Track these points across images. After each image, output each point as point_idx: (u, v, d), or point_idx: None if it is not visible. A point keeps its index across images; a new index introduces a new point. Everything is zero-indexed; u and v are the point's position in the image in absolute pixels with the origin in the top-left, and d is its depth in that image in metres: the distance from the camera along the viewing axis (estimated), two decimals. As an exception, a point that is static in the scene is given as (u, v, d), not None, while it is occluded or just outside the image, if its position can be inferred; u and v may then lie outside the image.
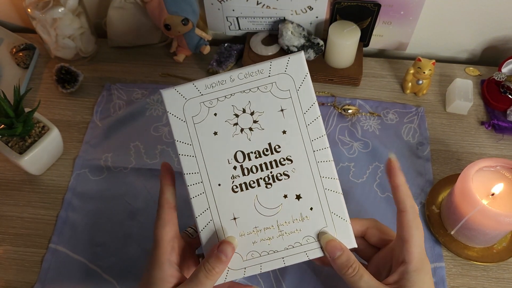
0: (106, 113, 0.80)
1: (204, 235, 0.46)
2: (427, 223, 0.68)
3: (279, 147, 0.46)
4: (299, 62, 0.46)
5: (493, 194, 0.61)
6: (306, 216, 0.46)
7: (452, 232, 0.65)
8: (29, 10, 0.78)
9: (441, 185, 0.71)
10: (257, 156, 0.46)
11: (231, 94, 0.46)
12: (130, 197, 0.70)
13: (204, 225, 0.46)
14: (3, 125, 0.66)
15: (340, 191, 0.46)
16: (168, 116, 0.47)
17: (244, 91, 0.46)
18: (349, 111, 0.78)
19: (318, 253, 0.46)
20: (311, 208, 0.46)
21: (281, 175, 0.46)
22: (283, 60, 0.46)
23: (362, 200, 0.70)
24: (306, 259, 0.46)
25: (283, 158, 0.46)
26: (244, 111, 0.46)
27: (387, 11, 0.79)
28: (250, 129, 0.46)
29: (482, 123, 0.78)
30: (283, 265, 0.46)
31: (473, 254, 0.65)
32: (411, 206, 0.46)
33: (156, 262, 0.45)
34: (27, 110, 0.67)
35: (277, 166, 0.46)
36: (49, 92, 0.83)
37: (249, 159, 0.46)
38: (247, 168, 0.46)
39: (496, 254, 0.64)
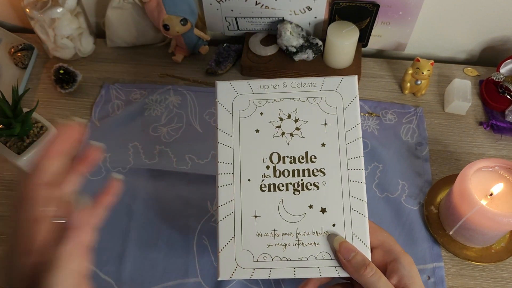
0: (105, 113, 0.79)
1: (222, 226, 0.46)
2: (425, 223, 0.68)
3: (315, 157, 0.47)
4: (351, 83, 0.48)
5: (491, 194, 0.61)
6: (326, 231, 0.45)
7: (451, 232, 0.65)
8: (27, 10, 0.78)
9: (439, 186, 0.71)
10: (292, 161, 0.47)
11: (280, 99, 0.48)
12: (128, 197, 0.70)
13: (224, 216, 0.46)
14: (1, 125, 0.66)
15: (366, 214, 0.46)
16: (217, 105, 0.48)
17: (293, 98, 0.48)
18: (348, 111, 0.78)
19: (331, 272, 0.45)
20: (334, 225, 0.45)
21: (311, 185, 0.46)
22: (336, 79, 0.48)
23: None
24: (318, 275, 0.45)
25: (317, 169, 0.46)
26: (289, 116, 0.48)
27: (385, 11, 0.80)
28: (291, 134, 0.47)
29: (481, 124, 0.79)
30: (293, 276, 0.45)
31: (471, 254, 0.65)
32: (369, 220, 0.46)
33: None
34: (25, 110, 0.67)
35: (309, 175, 0.46)
36: (47, 92, 0.83)
37: (283, 163, 0.47)
38: (280, 171, 0.46)
39: (494, 254, 0.65)
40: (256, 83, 0.48)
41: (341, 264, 0.44)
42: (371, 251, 0.46)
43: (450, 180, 0.71)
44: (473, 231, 0.61)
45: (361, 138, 0.47)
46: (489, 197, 0.61)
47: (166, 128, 0.78)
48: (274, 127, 0.47)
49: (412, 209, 0.69)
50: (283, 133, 0.47)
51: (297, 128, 0.47)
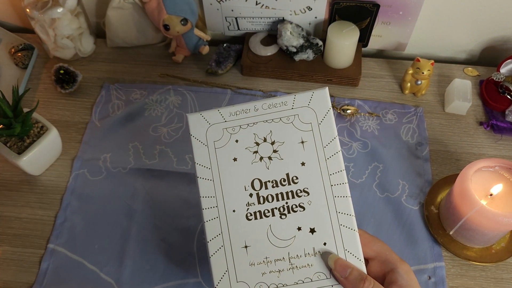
0: (105, 113, 0.79)
1: (214, 261, 0.45)
2: (426, 223, 0.68)
3: (297, 178, 0.46)
4: (322, 97, 0.47)
5: (491, 195, 0.61)
6: (318, 251, 0.45)
7: (451, 232, 0.65)
8: (27, 10, 0.78)
9: (440, 185, 0.71)
10: (274, 185, 0.46)
11: (253, 123, 0.47)
12: (128, 197, 0.70)
13: (215, 251, 0.45)
14: (1, 125, 0.66)
15: (356, 228, 0.45)
16: (191, 139, 0.47)
17: (266, 120, 0.47)
18: (348, 111, 0.78)
19: None
20: (325, 243, 0.45)
21: (296, 206, 0.46)
22: (307, 94, 0.47)
23: (361, 200, 0.70)
24: None
25: (300, 190, 0.46)
26: (265, 140, 0.47)
27: (386, 11, 0.80)
28: (270, 158, 0.46)
29: (481, 124, 0.79)
30: None
31: (472, 254, 0.65)
32: (362, 230, 0.46)
33: None
34: (25, 110, 0.67)
35: (293, 197, 0.46)
36: (47, 92, 0.83)
37: (266, 188, 0.46)
38: (263, 197, 0.46)
39: (494, 254, 0.65)
40: (227, 110, 0.47)
41: (338, 282, 0.44)
42: (368, 263, 0.46)
43: (450, 180, 0.71)
44: (473, 231, 0.61)
45: (341, 151, 0.46)
46: (489, 197, 0.61)
47: (166, 128, 0.78)
48: (252, 153, 0.47)
49: (413, 209, 0.69)
50: (261, 158, 0.46)
51: (274, 151, 0.47)
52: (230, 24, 0.86)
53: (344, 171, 0.46)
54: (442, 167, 0.74)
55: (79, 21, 0.82)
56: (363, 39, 0.84)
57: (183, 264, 0.64)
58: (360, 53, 0.84)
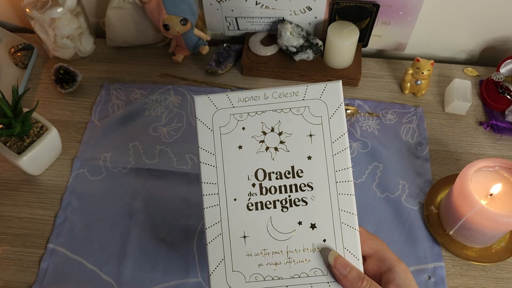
0: (105, 113, 0.79)
1: (211, 248, 0.45)
2: (425, 223, 0.68)
3: (302, 172, 0.45)
4: (335, 90, 0.46)
5: (491, 194, 0.61)
6: (317, 247, 0.44)
7: (451, 232, 0.65)
8: (27, 10, 0.78)
9: (439, 185, 0.71)
10: (278, 177, 0.45)
11: (262, 111, 0.46)
12: (128, 197, 0.70)
13: (212, 238, 0.45)
14: (1, 125, 0.66)
15: (357, 227, 0.45)
16: (196, 122, 0.46)
17: (276, 110, 0.46)
18: (348, 111, 0.78)
19: None
20: (324, 240, 0.44)
21: (299, 200, 0.45)
22: (319, 86, 0.46)
23: (361, 200, 0.70)
24: None
25: (304, 184, 0.45)
26: (272, 129, 0.46)
27: (385, 11, 0.80)
28: (276, 149, 0.46)
29: (481, 124, 0.79)
30: None
31: (471, 254, 0.65)
32: (361, 227, 0.46)
33: None
34: (25, 110, 0.67)
35: (296, 191, 0.45)
36: (47, 92, 0.83)
37: (270, 179, 0.45)
38: (266, 188, 0.45)
39: (494, 254, 0.65)
40: (236, 96, 0.46)
41: (334, 279, 0.44)
42: (365, 260, 0.46)
43: (450, 180, 0.71)
44: (473, 231, 0.61)
45: (349, 148, 0.45)
46: (489, 197, 0.61)
47: (166, 128, 0.78)
48: (258, 142, 0.46)
49: (412, 209, 0.69)
50: (267, 148, 0.46)
51: (281, 142, 0.46)
52: (230, 24, 0.86)
53: (351, 168, 0.45)
54: (442, 167, 0.74)
55: (79, 21, 0.82)
56: (363, 39, 0.84)
57: (183, 263, 0.64)
58: (360, 53, 0.84)
